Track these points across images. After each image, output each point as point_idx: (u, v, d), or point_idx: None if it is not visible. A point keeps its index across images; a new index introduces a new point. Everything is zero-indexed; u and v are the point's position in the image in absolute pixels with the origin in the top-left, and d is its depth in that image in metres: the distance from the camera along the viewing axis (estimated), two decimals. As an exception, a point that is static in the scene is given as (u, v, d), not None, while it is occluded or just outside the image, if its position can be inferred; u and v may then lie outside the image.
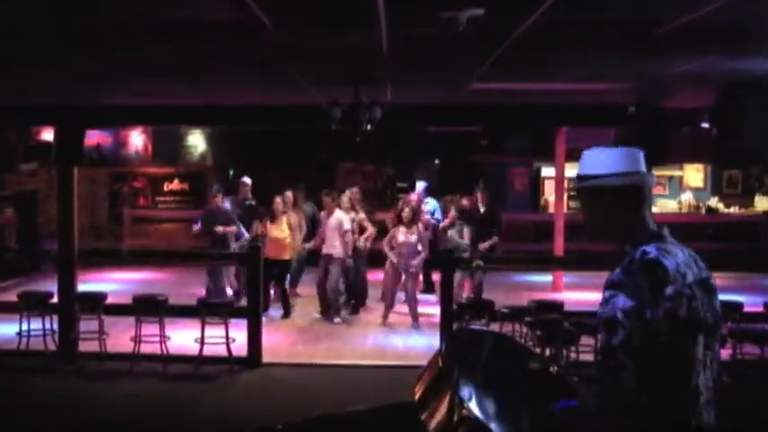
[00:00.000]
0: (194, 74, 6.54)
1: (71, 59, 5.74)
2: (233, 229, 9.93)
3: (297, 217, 10.38)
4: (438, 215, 10.88)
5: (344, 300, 10.31)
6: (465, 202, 10.44)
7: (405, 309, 10.09)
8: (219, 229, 9.73)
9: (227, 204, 10.26)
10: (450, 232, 9.86)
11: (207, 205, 10.16)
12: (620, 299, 2.12)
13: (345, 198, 10.30)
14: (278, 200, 10.10)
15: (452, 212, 10.01)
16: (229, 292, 10.38)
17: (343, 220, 9.78)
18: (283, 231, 9.96)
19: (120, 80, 6.87)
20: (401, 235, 9.45)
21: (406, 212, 9.52)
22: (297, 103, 8.40)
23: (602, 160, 2.33)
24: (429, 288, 11.29)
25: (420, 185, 10.93)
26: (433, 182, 15.97)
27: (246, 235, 10.26)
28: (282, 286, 10.08)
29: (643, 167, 2.33)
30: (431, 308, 10.20)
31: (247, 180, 11.20)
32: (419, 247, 9.57)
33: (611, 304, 2.14)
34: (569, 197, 17.22)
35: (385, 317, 9.56)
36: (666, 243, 2.24)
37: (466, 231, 9.87)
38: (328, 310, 9.87)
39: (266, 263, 9.02)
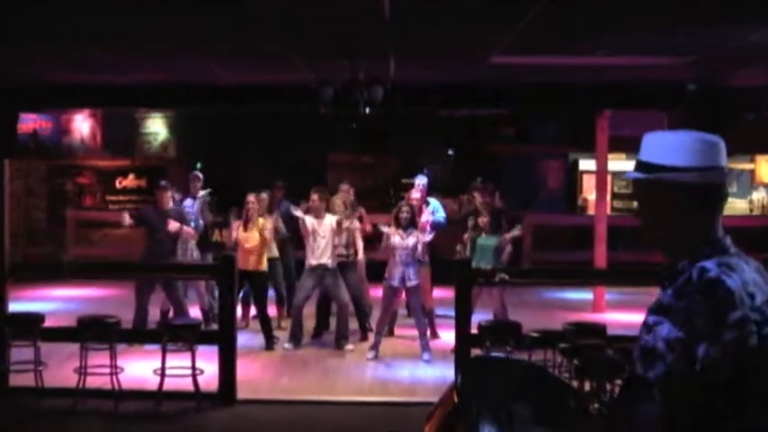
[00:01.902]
0: (156, 43, 6.55)
1: None
2: (190, 231, 9.87)
3: (272, 221, 10.40)
4: (440, 217, 10.89)
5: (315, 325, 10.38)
6: (483, 198, 10.48)
7: (411, 332, 10.09)
8: (175, 226, 9.63)
9: (188, 204, 10.23)
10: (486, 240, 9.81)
11: (154, 207, 10.04)
12: (664, 327, 2.09)
13: (338, 201, 10.29)
14: (251, 199, 10.07)
15: (484, 217, 9.94)
16: (196, 312, 10.39)
17: (332, 222, 9.83)
18: (257, 238, 9.95)
19: (64, 50, 6.88)
20: (397, 237, 9.45)
21: (405, 212, 9.52)
22: (279, 81, 8.41)
23: (675, 148, 2.25)
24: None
25: (420, 181, 10.92)
26: (446, 177, 16.02)
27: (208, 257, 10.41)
28: (263, 306, 10.07)
29: (724, 161, 2.25)
30: (445, 331, 10.19)
31: (200, 174, 11.26)
32: (419, 253, 9.55)
33: (653, 333, 2.12)
34: (614, 195, 17.24)
35: (374, 348, 9.53)
36: (731, 256, 2.19)
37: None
38: (299, 337, 9.90)
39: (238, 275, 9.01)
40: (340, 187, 10.85)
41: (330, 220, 9.85)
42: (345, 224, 9.97)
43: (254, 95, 8.94)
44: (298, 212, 10.01)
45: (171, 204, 9.90)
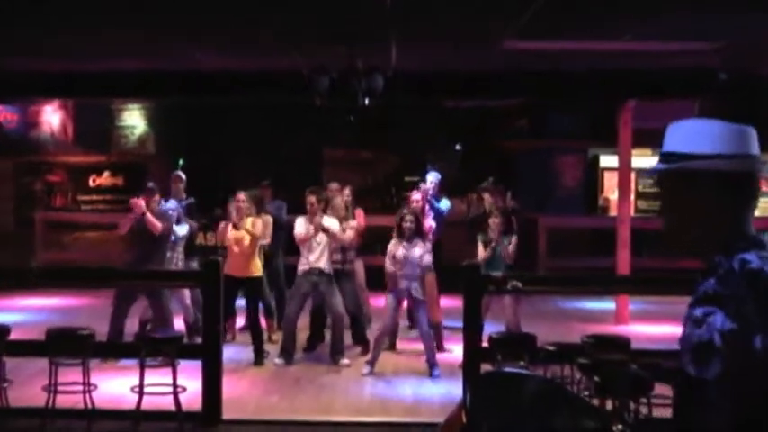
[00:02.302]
0: (134, 28, 6.56)
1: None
2: (155, 223, 9.79)
3: (262, 222, 10.39)
4: (443, 206, 10.91)
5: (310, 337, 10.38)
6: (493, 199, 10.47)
7: (414, 345, 10.08)
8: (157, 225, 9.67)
9: (171, 206, 10.25)
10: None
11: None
12: (718, 318, 2.08)
13: (339, 202, 10.23)
14: (241, 197, 10.04)
15: (495, 218, 9.89)
16: (180, 323, 10.39)
17: (334, 226, 9.81)
18: (247, 238, 9.93)
19: (32, 35, 6.88)
20: (401, 250, 9.43)
21: (408, 221, 9.48)
22: (270, 68, 8.43)
23: (702, 135, 2.26)
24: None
25: (432, 177, 10.92)
26: (453, 175, 16.00)
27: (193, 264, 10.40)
28: (255, 316, 10.07)
29: (756, 150, 2.27)
30: (454, 344, 10.19)
31: (182, 174, 11.22)
32: (425, 262, 9.54)
33: (706, 325, 2.11)
34: (638, 194, 17.24)
35: (370, 363, 9.52)
36: None
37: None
38: (291, 351, 9.87)
39: (228, 281, 9.03)
40: (329, 187, 10.78)
41: (327, 222, 9.82)
42: (346, 226, 9.94)
43: (242, 84, 8.95)
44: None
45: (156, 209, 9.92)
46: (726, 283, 2.13)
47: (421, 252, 9.45)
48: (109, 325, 9.67)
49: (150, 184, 10.19)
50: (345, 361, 9.83)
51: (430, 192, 10.78)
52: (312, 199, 9.83)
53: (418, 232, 9.56)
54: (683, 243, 2.32)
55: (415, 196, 10.48)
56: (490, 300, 9.26)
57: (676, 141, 2.30)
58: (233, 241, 9.97)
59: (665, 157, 2.31)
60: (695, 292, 2.19)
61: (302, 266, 9.85)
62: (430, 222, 10.42)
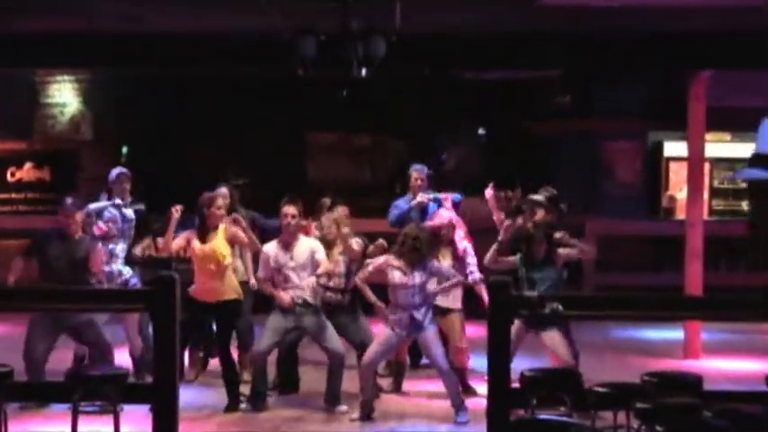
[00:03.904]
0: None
1: None
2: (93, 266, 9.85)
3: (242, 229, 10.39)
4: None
5: (275, 380, 10.36)
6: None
7: (424, 386, 10.10)
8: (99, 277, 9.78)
9: (98, 205, 10.30)
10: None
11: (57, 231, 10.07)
12: None
13: (332, 225, 10.15)
14: (220, 202, 9.92)
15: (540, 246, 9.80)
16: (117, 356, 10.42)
17: (316, 251, 9.66)
18: (223, 253, 9.87)
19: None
20: (397, 272, 9.40)
21: (422, 246, 9.44)
22: (239, 30, 8.44)
23: None
24: (414, 360, 11.25)
25: (417, 174, 10.83)
26: (474, 166, 16.04)
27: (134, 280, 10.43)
28: (226, 350, 10.06)
29: None
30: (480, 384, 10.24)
31: (123, 171, 11.10)
32: (429, 288, 9.59)
33: None
34: (713, 192, 17.15)
35: (364, 407, 9.53)
36: None
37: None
38: (263, 394, 9.87)
39: (193, 307, 9.01)
40: (336, 209, 10.47)
41: (308, 245, 9.73)
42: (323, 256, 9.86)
43: (204, 50, 8.96)
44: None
45: (80, 232, 9.88)
46: None
47: (422, 279, 9.41)
48: (24, 364, 9.60)
49: (68, 201, 9.98)
50: (343, 407, 9.82)
51: (420, 193, 10.74)
52: (292, 210, 9.63)
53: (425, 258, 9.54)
54: None
55: (444, 215, 10.22)
56: (524, 331, 9.29)
57: None
58: (199, 257, 9.85)
59: (759, 160, 2.35)
60: None
61: (279, 300, 9.76)
62: (464, 245, 10.22)
